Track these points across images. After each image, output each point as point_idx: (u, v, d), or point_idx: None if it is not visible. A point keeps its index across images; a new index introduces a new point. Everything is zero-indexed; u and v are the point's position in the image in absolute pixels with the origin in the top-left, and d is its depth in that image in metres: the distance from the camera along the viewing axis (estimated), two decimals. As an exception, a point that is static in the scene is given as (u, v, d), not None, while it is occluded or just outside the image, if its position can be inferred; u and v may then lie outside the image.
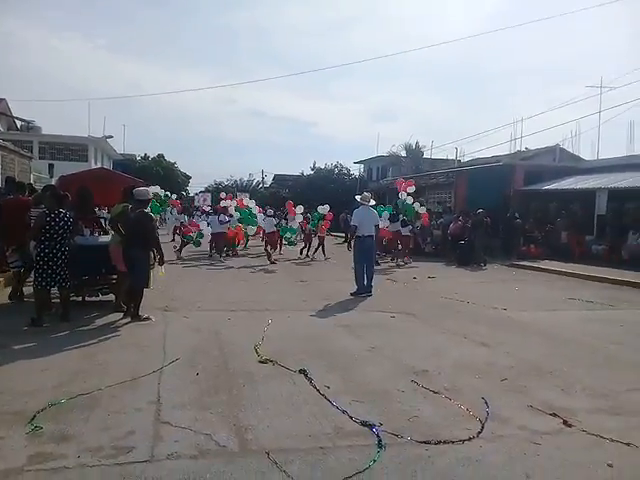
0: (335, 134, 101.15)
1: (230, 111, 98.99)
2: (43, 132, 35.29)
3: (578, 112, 71.62)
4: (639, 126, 67.51)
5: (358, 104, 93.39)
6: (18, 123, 35.79)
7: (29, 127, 35.19)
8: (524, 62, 76.08)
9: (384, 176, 37.62)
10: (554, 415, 4.13)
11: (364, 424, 3.87)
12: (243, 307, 8.33)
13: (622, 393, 4.74)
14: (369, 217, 10.20)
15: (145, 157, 48.04)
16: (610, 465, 3.35)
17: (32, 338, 6.03)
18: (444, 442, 3.62)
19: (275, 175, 54.23)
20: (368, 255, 10.11)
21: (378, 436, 3.67)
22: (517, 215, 18.02)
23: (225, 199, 19.19)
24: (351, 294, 9.65)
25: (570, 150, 26.68)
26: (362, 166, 44.38)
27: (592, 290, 11.15)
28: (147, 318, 7.09)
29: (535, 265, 15.14)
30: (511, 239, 17.48)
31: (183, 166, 51.33)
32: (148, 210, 7.50)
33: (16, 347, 5.65)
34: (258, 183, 55.68)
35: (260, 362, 5.36)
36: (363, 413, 4.07)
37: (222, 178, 57.19)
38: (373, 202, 10.67)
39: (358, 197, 10.70)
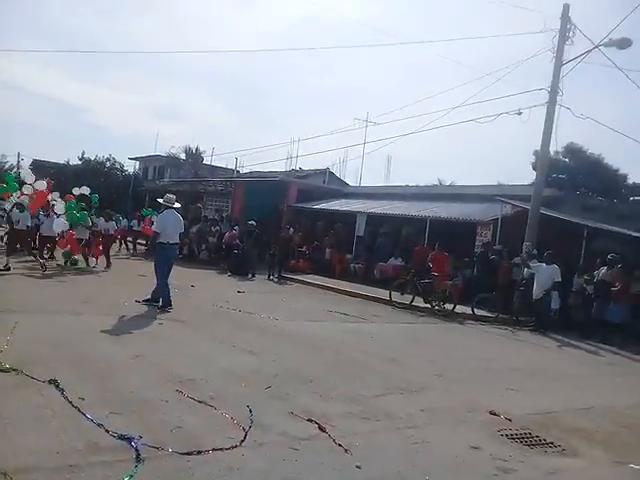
0: (109, 125, 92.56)
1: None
2: None
3: (346, 140, 78.65)
4: (395, 161, 77.16)
5: (138, 97, 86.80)
6: None
7: None
8: (300, 86, 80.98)
9: (161, 176, 36.39)
10: (311, 421, 4.37)
11: (122, 437, 3.59)
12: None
13: (370, 398, 5.24)
14: (175, 223, 9.23)
15: None
16: (359, 467, 3.65)
17: None
18: (206, 452, 3.56)
19: (34, 160, 48.03)
20: (170, 265, 9.19)
21: (137, 450, 3.44)
22: (290, 229, 18.86)
23: None
24: (158, 308, 8.64)
25: (338, 174, 29.27)
26: (138, 163, 42.11)
27: (349, 304, 12.24)
28: None
29: (301, 278, 16.09)
30: (283, 252, 18.02)
31: None
32: None
33: None
34: (12, 167, 48.79)
35: (0, 371, 4.64)
36: (122, 426, 3.78)
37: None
38: (178, 205, 9.61)
39: (160, 199, 9.73)
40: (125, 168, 41.37)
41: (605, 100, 54.58)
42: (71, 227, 13.61)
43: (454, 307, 12.07)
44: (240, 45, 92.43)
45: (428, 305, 12.43)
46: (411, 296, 12.73)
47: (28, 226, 12.76)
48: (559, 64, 14.39)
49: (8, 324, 6.20)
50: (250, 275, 15.72)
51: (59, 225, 13.60)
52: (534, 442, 4.49)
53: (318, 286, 15.12)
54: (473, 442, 4.33)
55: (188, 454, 3.49)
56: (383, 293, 13.35)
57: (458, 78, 69.74)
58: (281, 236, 17.33)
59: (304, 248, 19.02)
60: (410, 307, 12.43)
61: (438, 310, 12.20)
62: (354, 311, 11.11)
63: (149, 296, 8.96)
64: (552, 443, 4.50)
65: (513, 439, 4.51)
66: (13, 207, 12.78)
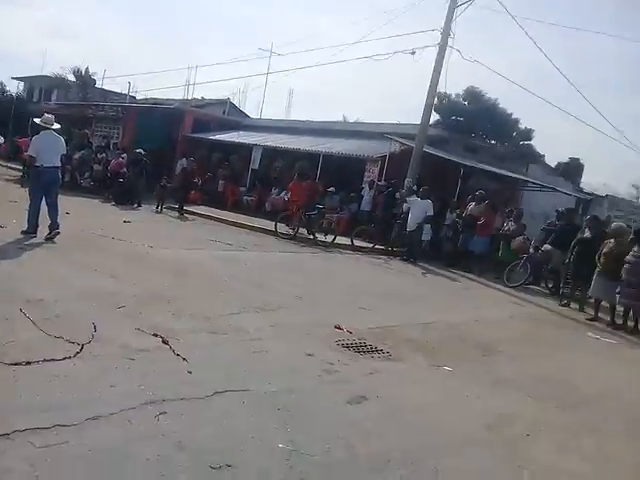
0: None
1: None
2: None
3: (249, 71, 76.13)
4: (297, 94, 76.84)
5: (27, 10, 78.22)
6: None
7: None
8: (204, 12, 77.08)
9: (48, 99, 33.78)
10: (156, 335, 4.53)
11: (-56, 350, 3.57)
12: None
13: (223, 316, 5.48)
14: (53, 144, 8.57)
15: None
16: (190, 372, 3.89)
17: None
18: (36, 362, 3.62)
19: None
20: (51, 190, 8.49)
21: (-42, 361, 3.44)
22: (192, 159, 17.98)
23: None
24: (22, 232, 8.15)
25: (238, 105, 28.62)
26: (22, 83, 38.79)
27: (234, 235, 12.35)
28: None
29: (191, 209, 15.86)
30: (184, 185, 17.12)
31: None
32: None
33: None
34: None
35: None
36: (-52, 341, 3.73)
37: None
38: (57, 125, 8.91)
39: (37, 120, 8.94)
40: (8, 89, 38.01)
41: (503, 47, 56.68)
42: None
43: (334, 238, 12.55)
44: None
45: (312, 236, 12.85)
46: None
47: None
48: (453, 6, 14.77)
49: None
50: (135, 205, 15.28)
51: None
52: (366, 350, 4.97)
53: (207, 217, 15.02)
54: (309, 351, 4.70)
55: (16, 364, 3.54)
56: (271, 225, 13.55)
57: (365, 15, 69.09)
58: (184, 168, 16.84)
59: (197, 179, 18.64)
60: (294, 238, 12.78)
61: (320, 241, 12.64)
62: (237, 241, 11.25)
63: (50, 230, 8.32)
64: (381, 350, 5.00)
65: (347, 347, 4.96)
66: None
